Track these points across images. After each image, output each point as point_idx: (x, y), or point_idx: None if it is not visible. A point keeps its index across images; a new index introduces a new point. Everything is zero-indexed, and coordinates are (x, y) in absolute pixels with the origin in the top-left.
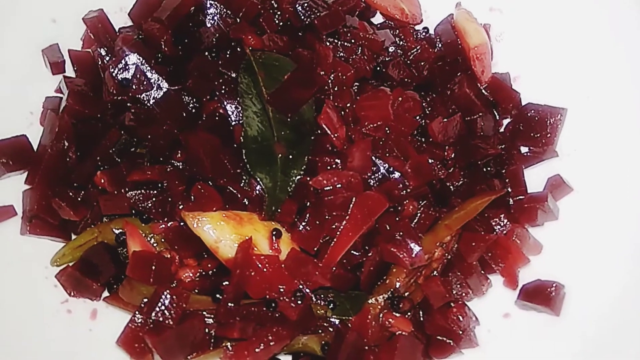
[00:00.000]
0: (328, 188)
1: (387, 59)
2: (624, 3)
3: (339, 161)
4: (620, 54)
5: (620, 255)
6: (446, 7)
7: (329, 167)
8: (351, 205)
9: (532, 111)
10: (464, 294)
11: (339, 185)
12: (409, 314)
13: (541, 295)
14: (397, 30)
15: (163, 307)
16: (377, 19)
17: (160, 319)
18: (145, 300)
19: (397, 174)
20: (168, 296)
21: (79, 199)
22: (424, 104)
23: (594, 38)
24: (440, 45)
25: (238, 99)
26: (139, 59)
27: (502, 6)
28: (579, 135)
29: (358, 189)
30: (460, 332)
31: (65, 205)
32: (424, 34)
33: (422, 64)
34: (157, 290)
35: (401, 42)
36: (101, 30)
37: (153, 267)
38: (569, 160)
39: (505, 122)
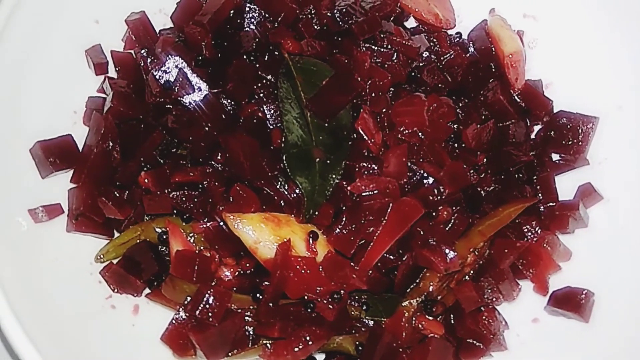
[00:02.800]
0: (366, 193)
1: (421, 64)
2: None
3: (375, 166)
4: None
5: None
6: (479, 12)
7: (365, 172)
8: (388, 211)
9: (564, 119)
10: (494, 299)
11: (377, 191)
12: (440, 317)
13: (571, 302)
14: (431, 35)
15: (207, 306)
16: (410, 22)
17: (204, 317)
18: (189, 298)
19: (431, 180)
20: (211, 295)
21: (124, 198)
22: (457, 110)
23: (627, 48)
24: (473, 51)
25: (276, 102)
26: (181, 62)
27: (536, 13)
28: (610, 144)
29: (395, 195)
30: (491, 336)
31: (111, 204)
32: (457, 39)
33: (456, 69)
34: (201, 289)
35: (435, 47)
36: (142, 32)
37: (196, 267)
38: (599, 169)
39: (536, 128)
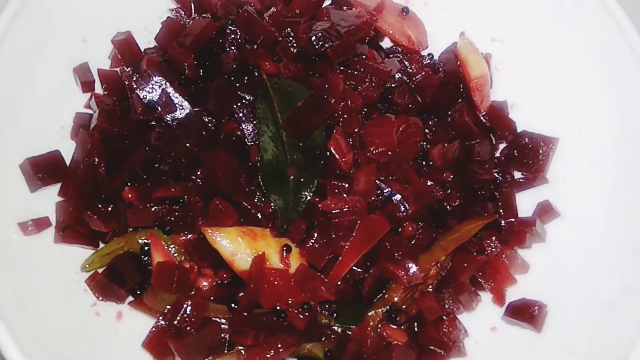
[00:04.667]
0: (336, 211)
1: (393, 85)
2: (615, 46)
3: (346, 185)
4: (610, 95)
5: (600, 278)
6: (451, 34)
7: (336, 190)
8: (356, 228)
9: (527, 139)
10: (455, 309)
11: (346, 209)
12: (404, 325)
13: (525, 313)
14: (404, 57)
15: (185, 315)
16: (386, 42)
17: (182, 325)
18: (168, 307)
19: (398, 197)
20: (189, 305)
21: (109, 211)
22: (425, 130)
23: (588, 76)
24: (443, 72)
25: (254, 122)
26: (164, 82)
27: (503, 37)
28: (568, 165)
29: (363, 212)
30: (451, 343)
31: (96, 217)
32: (428, 60)
33: (426, 90)
34: (180, 299)
35: (407, 69)
36: (128, 51)
37: (175, 278)
38: (558, 187)
39: (501, 146)
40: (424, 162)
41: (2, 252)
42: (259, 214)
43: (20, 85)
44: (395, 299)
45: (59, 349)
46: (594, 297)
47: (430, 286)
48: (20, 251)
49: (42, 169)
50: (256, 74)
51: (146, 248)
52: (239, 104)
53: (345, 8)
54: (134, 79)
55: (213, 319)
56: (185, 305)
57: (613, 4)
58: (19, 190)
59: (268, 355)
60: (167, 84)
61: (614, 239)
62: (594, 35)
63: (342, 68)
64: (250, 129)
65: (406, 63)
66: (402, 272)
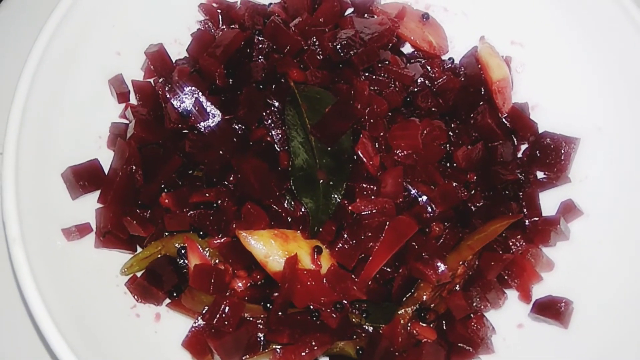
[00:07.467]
0: (365, 212)
1: (416, 89)
2: (634, 46)
3: (374, 187)
4: (630, 93)
5: (624, 274)
6: (471, 38)
7: (364, 193)
8: (385, 228)
9: (548, 139)
10: (482, 307)
11: (375, 211)
12: (433, 323)
13: (552, 310)
14: (425, 61)
15: (223, 315)
16: (407, 47)
17: (221, 324)
18: (206, 307)
19: (424, 198)
20: (227, 305)
21: (146, 217)
22: (449, 133)
23: (606, 75)
24: (464, 75)
25: (283, 127)
26: (196, 91)
27: (523, 40)
28: (590, 163)
29: (392, 213)
30: (479, 340)
31: (135, 222)
32: (449, 64)
33: (448, 93)
34: (218, 300)
35: (429, 73)
36: (160, 62)
37: (212, 279)
38: (580, 186)
39: (523, 147)
40: (448, 164)
41: (48, 257)
42: (288, 218)
43: (59, 97)
44: (424, 297)
45: (103, 349)
46: (618, 292)
47: (458, 285)
48: (64, 256)
49: (83, 177)
50: (284, 82)
51: (183, 252)
52: (268, 111)
53: (367, 16)
54: (167, 89)
55: (249, 318)
56: (223, 306)
57: (631, 5)
58: (61, 198)
59: (303, 354)
60: (199, 93)
61: (637, 235)
62: (612, 36)
63: (366, 74)
64: (279, 135)
65: (428, 68)
66: (431, 271)
